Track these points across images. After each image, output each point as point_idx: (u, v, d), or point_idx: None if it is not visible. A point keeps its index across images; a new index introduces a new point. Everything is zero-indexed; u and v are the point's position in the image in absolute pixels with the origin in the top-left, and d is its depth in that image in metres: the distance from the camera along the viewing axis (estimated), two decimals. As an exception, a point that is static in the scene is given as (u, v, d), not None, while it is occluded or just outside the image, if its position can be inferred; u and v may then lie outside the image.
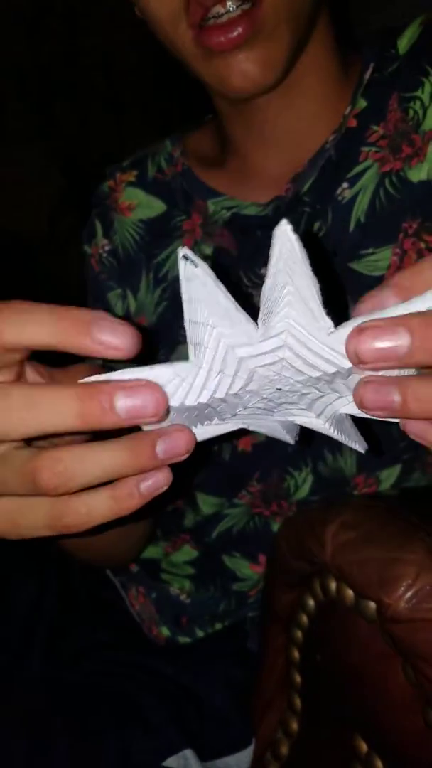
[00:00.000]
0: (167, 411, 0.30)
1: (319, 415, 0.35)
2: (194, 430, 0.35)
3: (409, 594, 0.39)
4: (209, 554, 0.72)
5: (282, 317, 0.28)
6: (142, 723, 0.59)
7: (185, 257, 0.27)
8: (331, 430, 0.36)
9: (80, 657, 0.68)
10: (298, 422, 0.36)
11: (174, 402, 0.31)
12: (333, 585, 0.47)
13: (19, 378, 0.33)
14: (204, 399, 0.31)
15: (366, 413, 0.30)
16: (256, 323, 0.29)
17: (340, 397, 0.33)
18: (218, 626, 0.72)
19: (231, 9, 0.49)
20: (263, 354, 0.29)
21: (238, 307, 0.28)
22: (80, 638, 0.70)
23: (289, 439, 0.38)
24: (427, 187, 0.55)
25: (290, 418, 0.36)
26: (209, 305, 0.28)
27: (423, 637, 0.39)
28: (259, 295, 0.28)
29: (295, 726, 0.55)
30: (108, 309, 0.71)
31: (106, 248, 0.70)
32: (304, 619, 0.51)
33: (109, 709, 0.60)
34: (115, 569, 0.78)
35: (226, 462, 0.66)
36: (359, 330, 0.27)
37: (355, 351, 0.27)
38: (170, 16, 0.52)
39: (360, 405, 0.29)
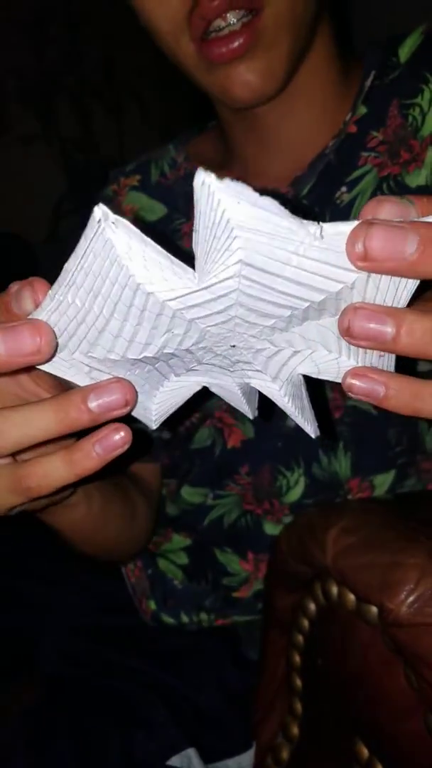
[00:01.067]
0: (54, 347, 0.30)
1: (275, 379, 0.34)
2: (155, 398, 0.35)
3: (410, 598, 0.39)
4: (202, 545, 0.72)
5: (230, 267, 0.25)
6: (144, 723, 0.59)
7: (100, 220, 0.25)
8: (286, 399, 0.35)
9: (74, 646, 0.69)
10: (254, 385, 0.36)
11: (113, 355, 0.31)
12: (334, 589, 0.46)
13: None
14: (150, 353, 0.31)
15: (349, 341, 0.28)
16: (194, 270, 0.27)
17: (295, 353, 0.32)
18: (203, 616, 0.72)
19: (232, 22, 0.51)
20: (214, 314, 0.28)
21: (174, 259, 0.26)
22: (70, 611, 0.72)
23: (248, 411, 0.37)
24: (425, 192, 0.55)
25: (246, 380, 0.35)
26: (136, 263, 0.26)
27: (425, 641, 0.39)
28: None
29: (295, 730, 0.54)
30: None
31: None
32: (305, 623, 0.51)
33: (111, 709, 0.61)
34: None
35: (215, 457, 0.67)
36: (368, 224, 0.25)
37: (364, 244, 0.25)
38: (172, 29, 0.53)
39: (346, 332, 0.27)
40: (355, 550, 0.43)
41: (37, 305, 0.30)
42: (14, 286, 0.30)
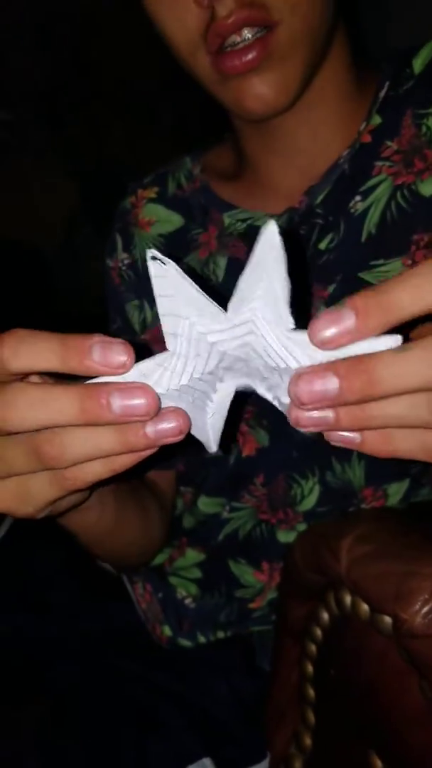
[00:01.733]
0: (158, 408, 0.33)
1: (273, 399, 0.37)
2: (207, 424, 0.37)
3: (425, 608, 0.39)
4: (217, 558, 0.72)
5: (252, 308, 0.30)
6: (160, 731, 0.59)
7: (153, 257, 0.31)
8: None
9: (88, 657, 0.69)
10: (259, 392, 0.38)
11: (160, 389, 0.34)
12: (348, 599, 0.46)
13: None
14: (185, 381, 0.34)
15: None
16: (225, 310, 0.31)
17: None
18: (220, 634, 0.72)
19: (247, 38, 0.51)
20: (232, 339, 0.32)
21: (208, 297, 0.31)
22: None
23: (212, 442, 0.39)
24: None
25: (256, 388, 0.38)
26: (180, 299, 0.31)
27: (439, 652, 0.39)
28: None
29: (308, 741, 0.54)
30: (126, 318, 0.74)
31: (126, 262, 0.72)
32: (318, 632, 0.51)
33: (125, 717, 0.61)
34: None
35: (231, 465, 0.67)
36: (297, 376, 0.30)
37: (294, 394, 0.30)
38: (188, 43, 0.54)
39: (296, 424, 0.32)
40: (369, 559, 0.43)
41: (124, 366, 0.32)
42: (97, 337, 0.32)
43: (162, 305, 0.32)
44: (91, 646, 0.71)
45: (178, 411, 0.34)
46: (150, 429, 0.33)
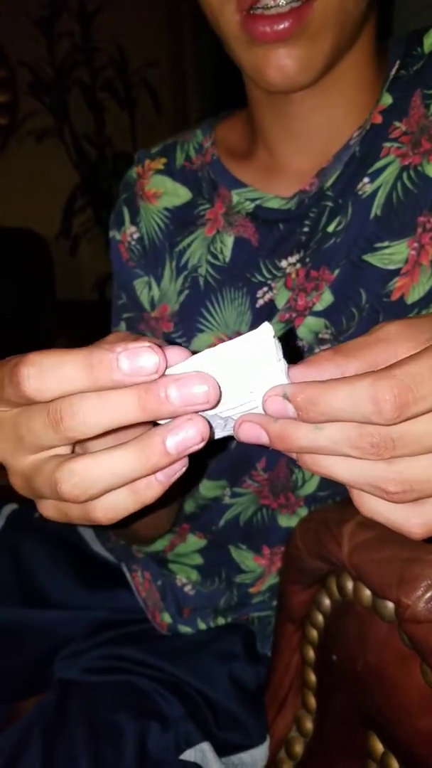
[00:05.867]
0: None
1: None
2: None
3: (428, 594, 0.38)
4: (217, 544, 0.72)
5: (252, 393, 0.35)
6: (159, 717, 0.60)
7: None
8: None
9: (88, 647, 0.69)
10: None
11: None
12: (350, 584, 0.46)
13: None
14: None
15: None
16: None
17: None
18: (221, 620, 0.72)
19: (281, 3, 0.50)
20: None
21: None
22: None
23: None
24: None
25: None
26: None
27: (441, 637, 0.39)
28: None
29: (309, 725, 0.54)
30: (133, 296, 0.72)
31: (134, 236, 0.71)
32: (320, 618, 0.51)
33: (126, 703, 0.61)
34: (120, 556, 0.80)
35: (232, 449, 0.67)
36: (239, 422, 0.36)
37: (236, 433, 0.36)
38: None
39: (237, 438, 0.36)
40: (371, 544, 0.43)
41: (157, 370, 0.32)
42: (120, 347, 0.31)
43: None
44: (93, 634, 0.72)
45: (194, 418, 0.32)
46: (171, 442, 0.32)
